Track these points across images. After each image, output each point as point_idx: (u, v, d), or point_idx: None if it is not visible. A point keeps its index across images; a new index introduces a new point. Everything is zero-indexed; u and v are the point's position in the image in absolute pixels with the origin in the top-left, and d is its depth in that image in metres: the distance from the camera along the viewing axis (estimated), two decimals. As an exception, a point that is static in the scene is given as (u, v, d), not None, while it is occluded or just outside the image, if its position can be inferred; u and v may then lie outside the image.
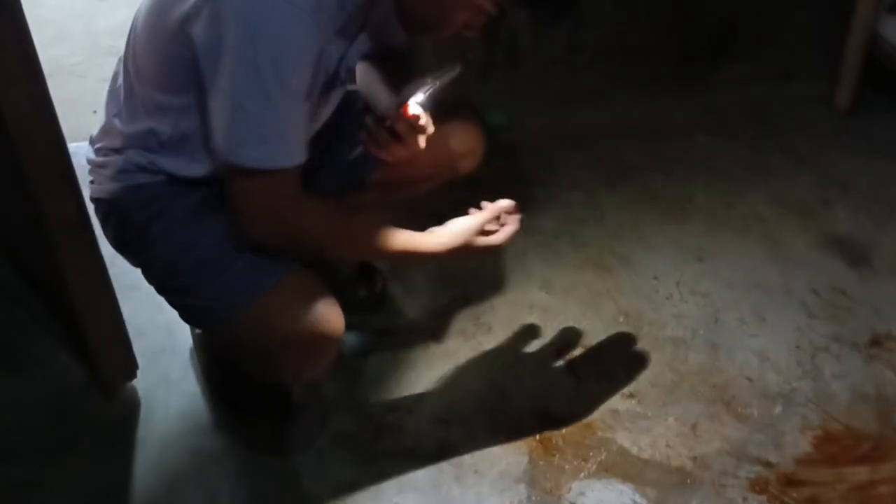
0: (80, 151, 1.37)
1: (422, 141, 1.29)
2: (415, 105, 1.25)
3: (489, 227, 1.33)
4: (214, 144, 1.13)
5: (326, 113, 1.34)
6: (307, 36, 1.08)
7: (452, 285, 1.81)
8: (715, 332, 1.72)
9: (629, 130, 2.31)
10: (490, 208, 1.34)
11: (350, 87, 1.41)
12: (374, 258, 1.67)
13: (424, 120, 1.27)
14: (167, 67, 1.18)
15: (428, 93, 1.24)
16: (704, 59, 2.43)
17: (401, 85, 1.44)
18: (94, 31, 2.77)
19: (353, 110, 1.48)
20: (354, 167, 1.48)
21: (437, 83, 1.24)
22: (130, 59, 1.25)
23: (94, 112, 2.24)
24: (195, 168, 1.25)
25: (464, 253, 1.32)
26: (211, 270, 1.23)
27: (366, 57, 1.44)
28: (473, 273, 1.84)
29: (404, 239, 1.27)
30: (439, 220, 1.86)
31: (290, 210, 1.16)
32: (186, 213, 1.27)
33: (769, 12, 2.40)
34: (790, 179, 2.15)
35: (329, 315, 1.23)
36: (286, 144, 1.12)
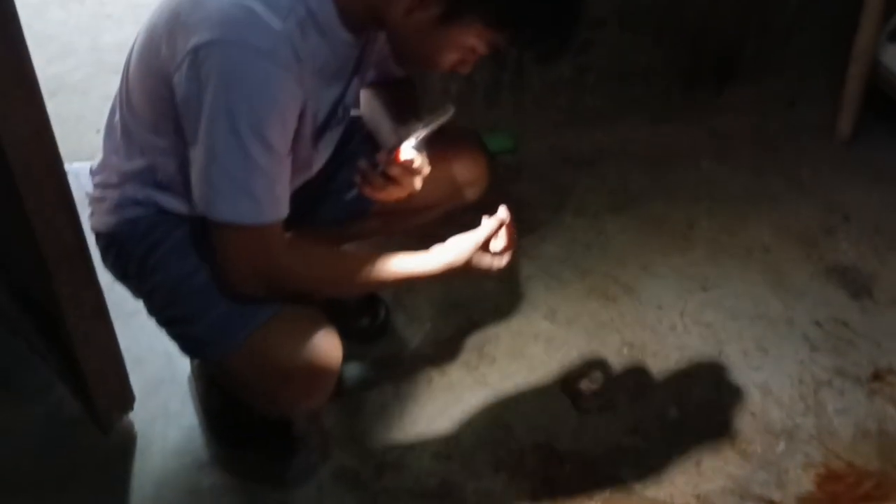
0: (82, 172, 1.38)
1: (417, 182, 1.29)
2: (407, 149, 1.25)
3: (491, 243, 1.29)
4: (194, 196, 1.13)
5: (327, 150, 1.34)
6: (285, 92, 1.08)
7: (456, 313, 1.80)
8: (719, 364, 1.72)
9: (634, 154, 2.31)
10: (489, 225, 1.27)
11: (354, 113, 1.41)
12: (373, 291, 1.67)
13: (419, 162, 1.27)
14: (158, 110, 1.18)
15: (420, 137, 1.24)
16: (709, 84, 2.42)
17: (404, 113, 1.44)
18: (100, 46, 2.76)
19: (358, 137, 1.48)
20: (357, 196, 1.48)
21: (429, 128, 1.24)
22: (125, 97, 1.25)
23: (98, 131, 2.22)
24: (191, 207, 1.25)
25: (465, 272, 1.29)
26: (209, 300, 1.22)
27: (370, 83, 1.44)
28: (477, 300, 1.83)
29: (402, 267, 1.25)
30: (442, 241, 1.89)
31: (274, 261, 1.16)
32: (184, 243, 1.27)
33: (773, 39, 2.40)
34: (793, 207, 2.15)
35: (328, 347, 1.23)
36: (265, 200, 1.11)
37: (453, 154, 1.49)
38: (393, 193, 1.29)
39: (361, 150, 1.49)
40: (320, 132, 1.25)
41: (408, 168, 1.26)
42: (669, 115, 2.41)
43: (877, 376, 1.70)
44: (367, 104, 1.48)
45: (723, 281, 1.92)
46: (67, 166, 1.24)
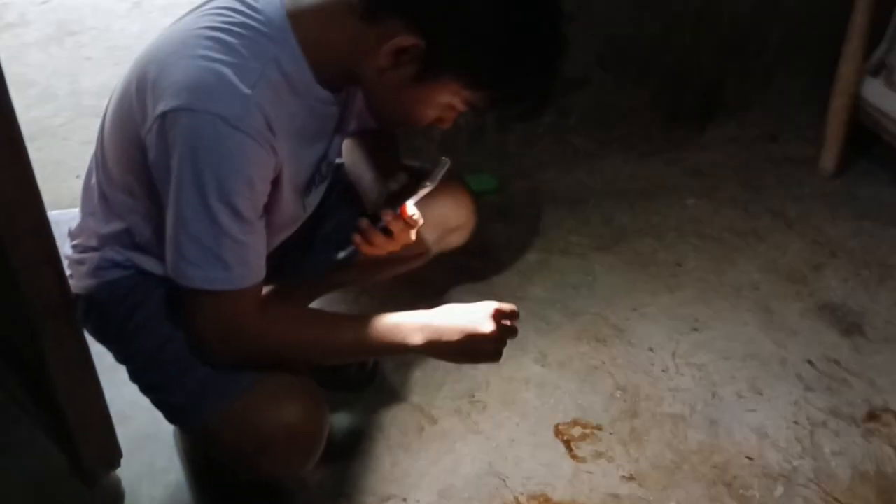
0: (61, 219, 1.33)
1: (413, 235, 1.27)
2: (412, 206, 1.23)
3: (483, 328, 1.16)
4: (166, 262, 1.10)
5: (313, 205, 1.31)
6: (253, 161, 1.05)
7: (445, 360, 1.77)
8: (713, 407, 1.70)
9: (619, 193, 2.30)
10: (489, 310, 1.17)
11: (336, 160, 1.39)
12: (352, 360, 1.61)
13: (418, 216, 1.25)
14: (133, 173, 1.15)
15: (424, 195, 1.22)
16: (691, 121, 2.44)
17: (388, 164, 1.42)
18: (79, 90, 2.73)
19: (340, 187, 1.46)
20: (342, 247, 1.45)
21: (434, 184, 1.21)
22: (101, 159, 1.22)
23: (78, 177, 2.20)
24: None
25: (452, 354, 1.19)
26: (187, 366, 1.18)
27: (352, 133, 1.42)
28: (466, 346, 1.80)
29: (387, 339, 1.17)
30: (430, 285, 1.86)
31: (246, 329, 1.12)
32: (163, 307, 1.23)
33: (754, 76, 2.42)
34: (780, 244, 2.15)
35: (313, 414, 1.18)
36: (236, 267, 1.08)
37: (440, 199, 1.47)
38: (388, 247, 1.26)
39: (344, 199, 1.47)
40: (305, 190, 1.23)
41: (409, 223, 1.24)
42: (652, 153, 2.42)
43: (872, 416, 1.69)
44: (349, 154, 1.46)
45: (713, 321, 1.91)
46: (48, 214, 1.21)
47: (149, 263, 1.24)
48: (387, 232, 1.23)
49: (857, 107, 2.31)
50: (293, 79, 1.09)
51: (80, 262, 1.29)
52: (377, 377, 1.72)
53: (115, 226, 1.23)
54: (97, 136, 1.25)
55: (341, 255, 1.27)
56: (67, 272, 1.29)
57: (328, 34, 1.09)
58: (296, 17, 1.09)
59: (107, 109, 1.21)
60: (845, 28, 2.26)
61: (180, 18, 1.14)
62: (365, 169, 1.41)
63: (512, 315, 1.18)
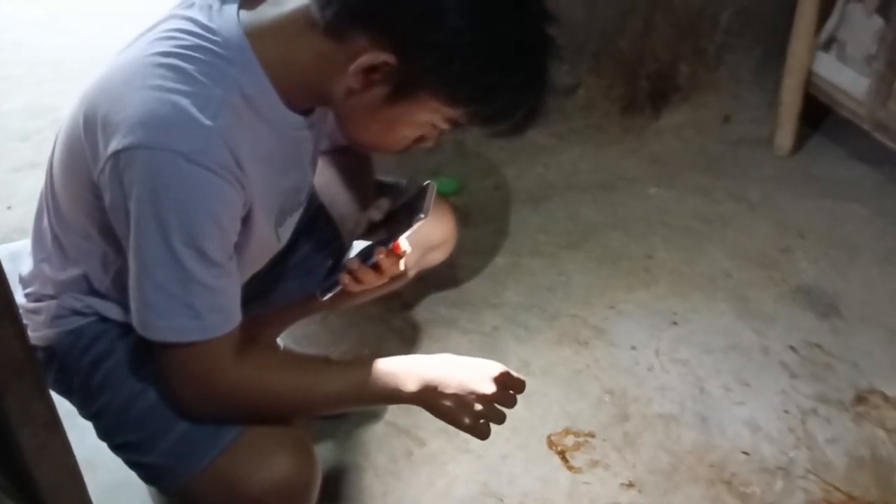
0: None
1: (402, 265, 1.19)
2: (405, 242, 1.15)
3: (482, 387, 1.05)
4: (131, 313, 0.99)
5: (287, 234, 1.22)
6: (218, 199, 0.94)
7: (426, 376, 1.70)
8: (702, 403, 1.67)
9: (581, 187, 2.26)
10: (495, 371, 1.06)
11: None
12: (336, 411, 1.51)
13: (407, 246, 1.17)
14: (87, 216, 1.05)
15: (418, 226, 1.12)
16: (647, 107, 2.40)
17: (363, 186, 1.33)
18: (2, 112, 2.55)
19: (313, 210, 1.37)
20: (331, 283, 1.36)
21: (427, 216, 1.11)
22: (51, 201, 1.11)
23: (9, 208, 2.05)
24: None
25: (443, 409, 1.07)
26: (162, 422, 1.08)
27: (323, 152, 1.33)
28: (446, 360, 1.74)
29: (379, 388, 1.06)
30: (398, 297, 1.79)
31: (224, 383, 1.02)
32: (132, 355, 1.13)
33: (705, 59, 2.40)
34: (746, 229, 2.13)
35: (304, 467, 1.08)
36: (208, 315, 0.97)
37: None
38: (377, 282, 1.18)
39: (316, 222, 1.38)
40: (279, 221, 1.13)
41: (400, 257, 1.16)
42: (610, 143, 2.38)
43: (860, 399, 1.68)
44: (319, 174, 1.36)
45: (691, 313, 1.88)
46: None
47: (111, 310, 1.14)
48: (376, 267, 1.15)
49: (810, 82, 2.31)
50: (258, 104, 0.99)
51: (35, 312, 1.17)
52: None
53: (72, 272, 1.12)
54: (46, 176, 1.13)
55: (327, 296, 1.17)
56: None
57: (291, 53, 0.98)
58: (255, 36, 0.98)
59: (54, 147, 1.10)
60: (793, 5, 2.25)
61: (129, 45, 1.03)
62: (338, 190, 1.32)
63: (518, 386, 1.07)
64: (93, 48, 2.94)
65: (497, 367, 1.07)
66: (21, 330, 1.14)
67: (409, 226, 1.12)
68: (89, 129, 0.97)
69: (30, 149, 2.37)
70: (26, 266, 1.20)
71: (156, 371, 1.05)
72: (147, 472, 1.13)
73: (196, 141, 0.91)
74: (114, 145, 0.92)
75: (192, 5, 1.00)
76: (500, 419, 1.07)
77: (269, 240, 1.13)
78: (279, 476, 1.05)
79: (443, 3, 0.91)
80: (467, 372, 1.06)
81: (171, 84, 0.93)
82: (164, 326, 0.97)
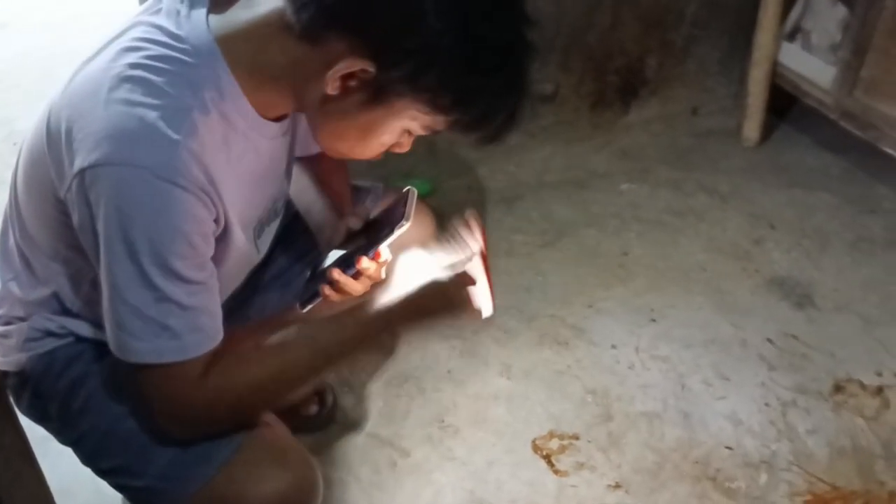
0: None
1: (382, 272, 1.17)
2: (386, 250, 1.12)
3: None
4: (107, 335, 0.96)
5: (266, 244, 1.19)
6: (188, 216, 0.91)
7: (407, 385, 1.69)
8: (684, 399, 1.67)
9: (553, 185, 2.25)
10: (459, 251, 1.07)
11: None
12: (325, 377, 1.49)
13: (388, 254, 1.15)
14: (55, 234, 1.01)
15: (400, 233, 1.10)
16: (616, 102, 2.40)
17: (339, 192, 1.31)
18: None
19: (286, 219, 1.34)
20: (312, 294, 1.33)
21: (409, 223, 1.09)
22: (17, 220, 1.07)
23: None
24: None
25: (429, 313, 1.06)
26: (152, 444, 1.04)
27: (297, 158, 1.30)
28: (427, 367, 1.73)
29: (356, 339, 1.05)
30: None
31: (203, 396, 0.98)
32: (113, 376, 1.09)
33: (672, 53, 2.40)
34: (718, 221, 2.15)
35: (306, 482, 1.06)
36: (187, 334, 0.94)
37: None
38: (357, 291, 1.15)
39: (292, 231, 1.35)
40: (257, 232, 1.11)
41: (381, 264, 1.13)
42: (580, 139, 2.38)
43: (838, 388, 1.69)
44: (294, 181, 1.33)
45: (668, 308, 1.88)
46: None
47: (85, 329, 1.10)
48: (356, 276, 1.12)
49: (776, 73, 2.33)
50: (230, 114, 0.96)
51: (5, 336, 1.13)
52: (337, 415, 1.61)
53: (42, 291, 1.09)
54: (9, 193, 1.09)
55: (308, 307, 1.15)
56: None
57: (264, 58, 0.95)
58: (225, 42, 0.94)
59: (17, 164, 1.06)
60: (756, -4, 2.26)
61: (96, 53, 0.98)
62: (314, 198, 1.29)
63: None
64: (43, 59, 2.88)
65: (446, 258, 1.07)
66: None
67: (390, 233, 1.09)
68: (53, 145, 0.94)
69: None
70: None
71: (132, 395, 1.02)
72: (138, 496, 1.10)
73: (163, 156, 0.88)
74: (79, 162, 0.89)
75: (158, 11, 0.96)
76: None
77: (249, 252, 1.11)
78: (280, 491, 1.02)
79: (422, 6, 0.88)
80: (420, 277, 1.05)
81: (137, 97, 0.89)
82: (141, 349, 0.93)
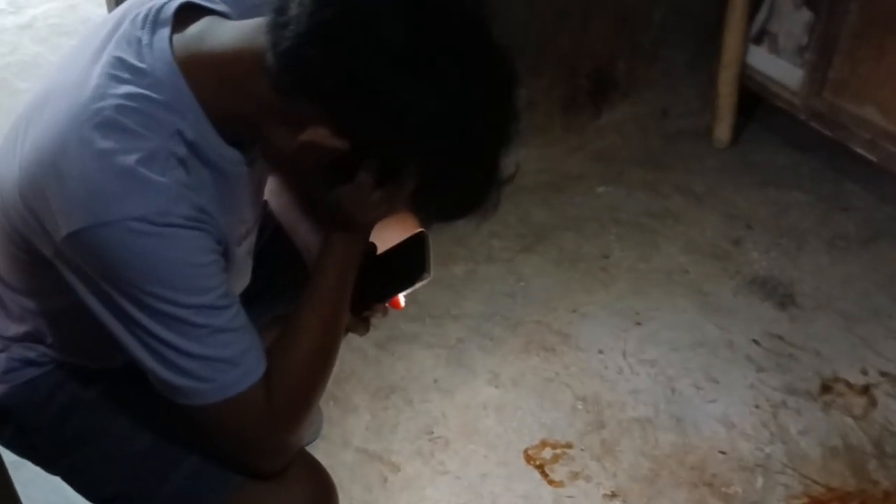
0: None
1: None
2: (402, 298, 1.07)
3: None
4: (159, 390, 0.89)
5: (249, 259, 1.12)
6: (196, 248, 0.85)
7: (394, 397, 1.64)
8: (675, 404, 1.65)
9: (529, 189, 2.22)
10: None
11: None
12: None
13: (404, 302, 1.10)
14: (34, 276, 0.94)
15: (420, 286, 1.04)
16: (587, 106, 2.39)
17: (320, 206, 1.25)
18: None
19: (268, 232, 1.27)
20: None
21: (430, 277, 1.03)
22: None
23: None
24: (100, 364, 1.03)
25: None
26: (164, 465, 0.98)
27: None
28: (413, 378, 1.68)
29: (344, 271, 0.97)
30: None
31: (277, 405, 0.91)
32: (109, 398, 1.02)
33: (641, 55, 2.40)
34: (696, 222, 2.14)
35: (324, 492, 1.02)
36: (244, 360, 0.88)
37: (388, 230, 1.31)
38: (364, 332, 1.10)
39: (275, 244, 1.28)
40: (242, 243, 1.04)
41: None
42: (553, 143, 2.35)
43: (825, 388, 1.69)
44: (275, 196, 1.26)
45: (653, 311, 1.86)
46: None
47: (69, 359, 1.03)
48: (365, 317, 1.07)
49: (745, 75, 2.34)
50: (201, 148, 0.88)
51: None
52: (321, 430, 1.55)
53: (18, 328, 1.01)
54: None
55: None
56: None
57: (231, 91, 0.87)
58: (188, 67, 0.87)
59: None
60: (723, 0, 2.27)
61: (56, 92, 0.89)
62: (298, 216, 1.22)
63: None
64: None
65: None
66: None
67: (409, 285, 1.03)
68: (30, 204, 0.86)
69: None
70: None
71: (144, 402, 0.95)
72: None
73: (154, 201, 0.81)
74: (67, 227, 0.81)
75: (120, 40, 0.88)
76: None
77: (245, 269, 1.05)
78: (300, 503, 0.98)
79: (407, 103, 0.79)
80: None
81: (110, 145, 0.81)
82: (208, 389, 0.86)
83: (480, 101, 0.83)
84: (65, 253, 0.83)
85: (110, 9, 1.79)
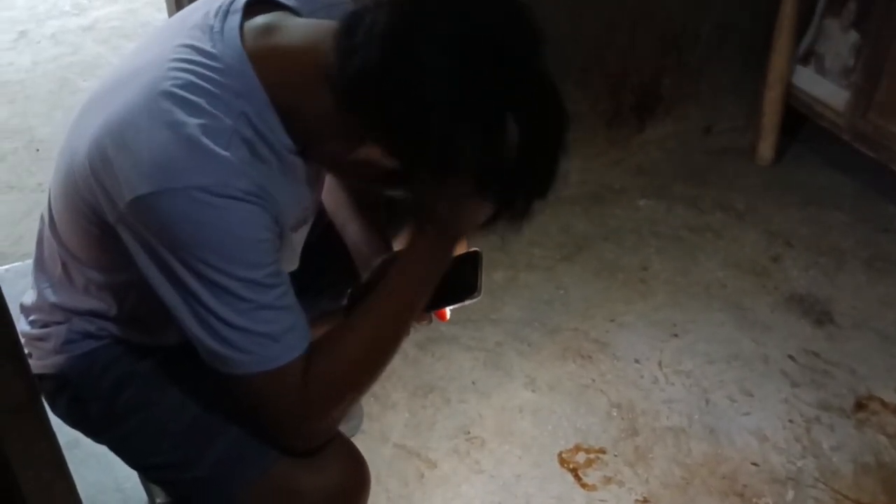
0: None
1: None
2: (449, 311, 1.11)
3: None
4: (201, 355, 0.94)
5: (299, 248, 1.18)
6: (253, 222, 0.89)
7: (432, 396, 1.69)
8: (709, 415, 1.67)
9: (571, 200, 2.26)
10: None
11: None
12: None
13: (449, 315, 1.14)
14: (101, 248, 1.00)
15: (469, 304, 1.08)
16: (631, 120, 2.42)
17: (374, 206, 1.29)
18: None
19: (318, 229, 1.33)
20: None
21: (480, 296, 1.07)
22: (55, 235, 1.06)
23: None
24: (155, 340, 1.09)
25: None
26: (210, 435, 1.04)
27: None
28: (451, 378, 1.72)
29: (414, 275, 0.98)
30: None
31: (314, 388, 0.95)
32: (161, 372, 1.09)
33: (687, 72, 2.42)
34: (736, 238, 2.16)
35: (358, 473, 1.06)
36: (286, 336, 0.93)
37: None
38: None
39: (326, 242, 1.34)
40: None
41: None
42: (596, 155, 2.39)
43: (860, 406, 1.70)
44: (329, 193, 1.32)
45: (690, 324, 1.89)
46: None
47: (129, 334, 1.09)
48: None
49: (790, 94, 2.35)
50: (264, 133, 0.94)
51: (41, 339, 1.12)
52: (362, 424, 1.61)
53: (83, 303, 1.08)
54: (46, 209, 1.08)
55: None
56: (25, 351, 1.12)
57: (294, 87, 0.92)
58: (256, 56, 0.92)
59: (52, 183, 1.05)
60: (770, 19, 2.29)
61: (132, 73, 0.95)
62: (349, 214, 1.27)
63: None
64: (59, 69, 2.88)
65: None
66: (24, 367, 1.09)
67: (459, 300, 1.07)
68: (97, 172, 0.92)
69: (6, 170, 2.30)
70: (28, 295, 1.15)
71: (193, 377, 1.01)
72: (187, 489, 1.09)
73: (216, 172, 0.87)
74: (130, 193, 0.87)
75: (193, 27, 0.95)
76: None
77: (294, 257, 1.10)
78: (335, 483, 1.02)
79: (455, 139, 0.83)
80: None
81: (180, 117, 0.88)
82: (246, 360, 0.91)
83: (529, 147, 0.88)
84: (127, 218, 0.88)
85: (171, 12, 1.86)
